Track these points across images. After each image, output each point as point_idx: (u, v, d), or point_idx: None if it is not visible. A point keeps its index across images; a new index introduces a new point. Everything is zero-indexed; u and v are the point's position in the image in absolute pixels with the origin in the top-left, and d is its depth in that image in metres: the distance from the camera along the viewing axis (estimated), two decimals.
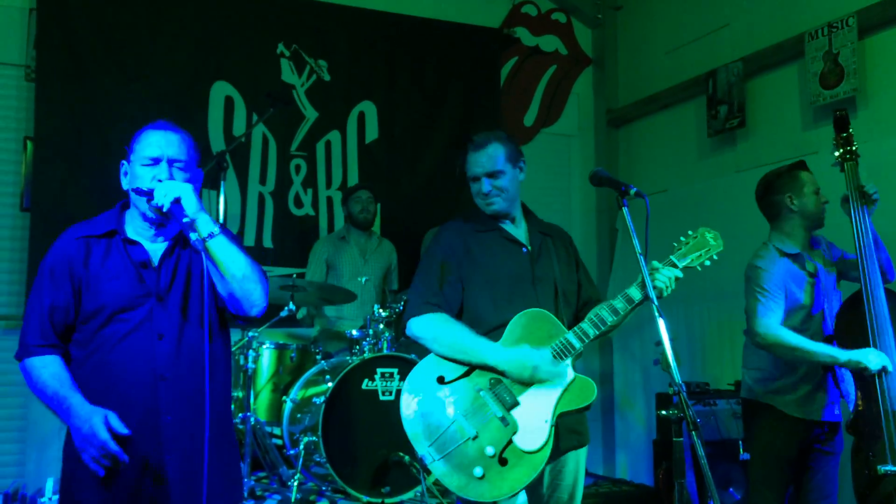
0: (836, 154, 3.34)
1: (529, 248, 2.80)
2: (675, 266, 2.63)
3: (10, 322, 4.87)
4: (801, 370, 3.28)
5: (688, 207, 5.83)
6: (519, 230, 2.84)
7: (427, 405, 2.58)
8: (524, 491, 2.69)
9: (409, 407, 2.59)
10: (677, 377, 2.25)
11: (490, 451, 2.50)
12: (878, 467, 3.02)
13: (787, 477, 3.34)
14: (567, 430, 2.66)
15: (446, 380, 2.60)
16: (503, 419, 2.53)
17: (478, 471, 2.48)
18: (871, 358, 3.07)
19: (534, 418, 2.53)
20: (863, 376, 3.14)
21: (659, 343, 2.35)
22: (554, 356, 2.57)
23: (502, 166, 2.75)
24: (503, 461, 2.49)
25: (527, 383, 2.55)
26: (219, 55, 5.60)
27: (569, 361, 2.59)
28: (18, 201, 5.07)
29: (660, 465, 4.85)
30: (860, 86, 4.63)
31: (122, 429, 2.13)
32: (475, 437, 2.51)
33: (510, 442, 2.51)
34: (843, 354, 3.12)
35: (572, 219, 6.73)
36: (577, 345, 2.58)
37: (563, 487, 2.73)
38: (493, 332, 2.65)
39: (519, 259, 2.76)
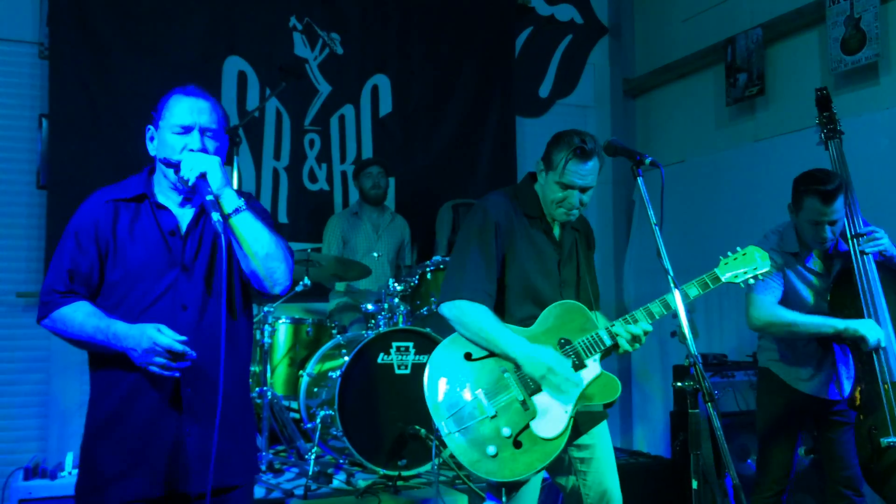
0: (821, 133, 3.34)
1: (561, 246, 2.79)
2: (716, 279, 2.66)
3: (29, 299, 4.91)
4: (799, 350, 3.31)
5: (706, 178, 5.77)
6: (556, 226, 2.80)
7: (451, 379, 2.57)
8: (544, 475, 2.72)
9: (433, 379, 2.58)
10: (693, 348, 2.24)
11: (506, 431, 2.50)
12: (882, 440, 3.04)
13: (791, 441, 3.38)
14: (587, 415, 2.70)
15: (473, 357, 2.60)
16: (524, 403, 2.54)
17: (491, 449, 2.49)
18: (868, 327, 3.07)
19: (554, 406, 2.54)
20: (860, 350, 3.13)
21: (676, 315, 2.34)
22: (582, 349, 2.59)
23: (594, 181, 2.68)
24: (518, 444, 2.50)
25: (538, 381, 2.55)
26: (232, 30, 5.56)
27: (597, 357, 2.61)
28: (35, 179, 5.08)
29: (677, 436, 4.85)
30: (882, 51, 4.52)
31: (177, 337, 2.09)
32: (494, 417, 2.52)
33: (527, 426, 2.52)
34: (841, 323, 3.12)
35: None
36: (608, 341, 2.61)
37: (588, 462, 2.74)
38: (517, 324, 2.66)
39: (551, 258, 2.75)
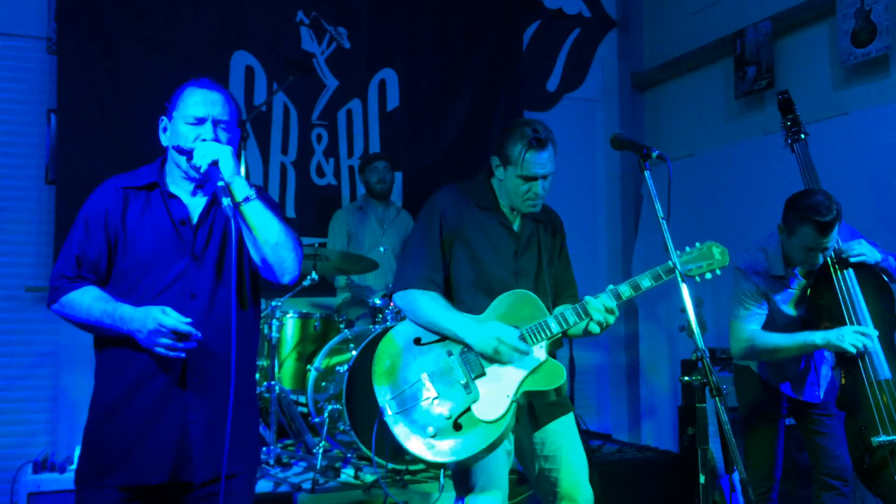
0: (786, 137, 3.34)
1: (519, 237, 2.80)
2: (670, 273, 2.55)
3: (38, 294, 4.93)
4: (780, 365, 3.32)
5: (715, 171, 5.74)
6: (514, 215, 2.82)
7: (398, 363, 2.64)
8: (512, 460, 2.75)
9: (380, 363, 2.65)
10: (700, 343, 2.23)
11: (446, 413, 2.55)
12: (872, 439, 3.03)
13: (774, 436, 3.39)
14: (546, 406, 2.72)
15: (422, 342, 2.66)
16: (466, 386, 2.57)
17: (430, 430, 2.54)
18: (844, 335, 3.04)
19: (496, 391, 2.57)
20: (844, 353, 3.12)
21: (684, 309, 2.32)
22: (529, 335, 2.59)
23: (553, 167, 2.71)
24: (457, 426, 2.54)
25: (492, 358, 2.57)
26: (239, 24, 5.56)
27: (543, 344, 2.62)
28: (43, 174, 5.09)
29: (685, 431, 4.84)
30: (893, 43, 4.48)
31: (182, 318, 2.12)
32: (436, 398, 2.57)
33: (468, 409, 2.55)
34: (819, 338, 3.10)
35: (596, 184, 6.66)
36: (556, 329, 2.61)
37: (553, 459, 2.74)
38: (468, 312, 2.68)
39: (507, 248, 2.77)
